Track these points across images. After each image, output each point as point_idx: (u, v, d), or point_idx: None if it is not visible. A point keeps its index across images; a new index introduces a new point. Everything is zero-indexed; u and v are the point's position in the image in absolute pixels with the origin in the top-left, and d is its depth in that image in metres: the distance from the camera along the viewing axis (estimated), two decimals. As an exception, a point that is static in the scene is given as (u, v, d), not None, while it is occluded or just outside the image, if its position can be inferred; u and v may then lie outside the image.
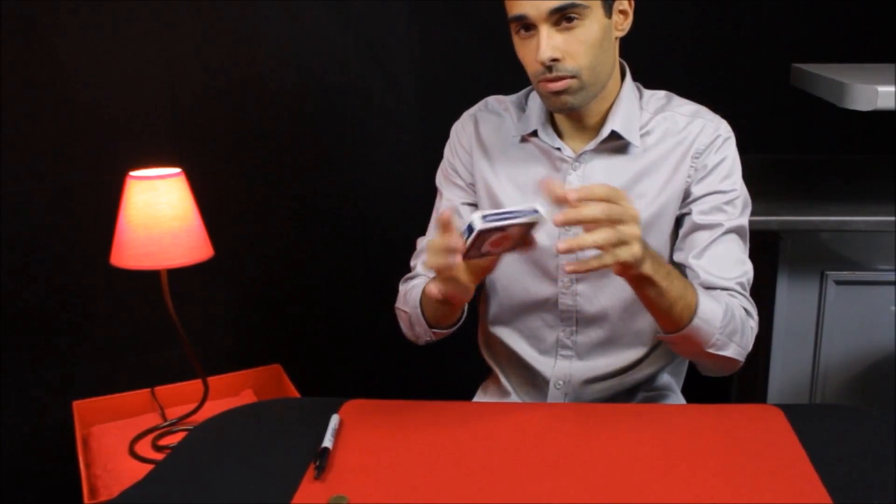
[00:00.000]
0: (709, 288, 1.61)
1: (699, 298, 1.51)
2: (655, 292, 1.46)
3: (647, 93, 1.72)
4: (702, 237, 1.64)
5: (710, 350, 1.56)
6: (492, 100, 1.81)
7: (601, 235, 1.32)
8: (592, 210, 1.31)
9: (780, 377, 2.46)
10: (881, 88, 2.14)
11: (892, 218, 2.24)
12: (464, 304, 1.63)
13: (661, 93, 1.72)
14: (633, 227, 1.33)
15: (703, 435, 1.42)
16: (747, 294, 1.64)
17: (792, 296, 2.39)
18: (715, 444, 1.39)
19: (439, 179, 1.84)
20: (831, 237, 2.36)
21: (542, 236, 1.69)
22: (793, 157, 2.90)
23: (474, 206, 1.79)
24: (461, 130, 1.80)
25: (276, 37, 2.59)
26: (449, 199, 1.80)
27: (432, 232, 1.82)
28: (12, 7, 2.25)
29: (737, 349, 1.58)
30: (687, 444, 1.39)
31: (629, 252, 1.33)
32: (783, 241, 2.35)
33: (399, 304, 1.77)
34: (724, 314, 1.54)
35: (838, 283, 2.37)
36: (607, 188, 1.33)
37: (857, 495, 1.24)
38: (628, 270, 1.39)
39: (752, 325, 1.62)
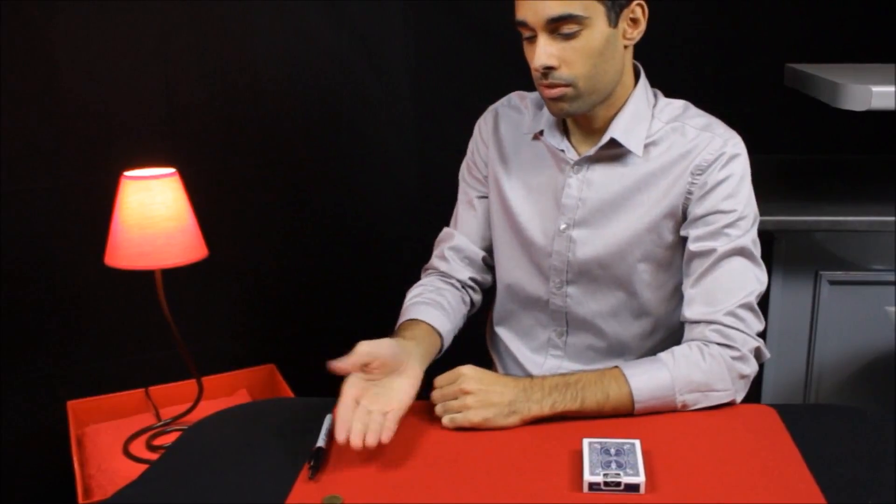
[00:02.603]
0: (695, 323, 1.57)
1: (632, 388, 1.48)
2: (568, 395, 1.50)
3: (664, 101, 1.67)
4: (696, 266, 1.59)
5: (683, 410, 1.52)
6: (515, 95, 1.80)
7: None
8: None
9: (774, 377, 2.46)
10: (875, 88, 2.14)
11: (887, 218, 2.24)
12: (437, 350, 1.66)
13: (679, 102, 1.68)
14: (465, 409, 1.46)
15: (697, 435, 1.42)
16: (739, 321, 1.55)
17: (786, 296, 2.39)
18: (709, 444, 1.40)
19: (462, 172, 1.85)
20: (825, 237, 2.36)
21: (537, 234, 1.70)
22: (787, 157, 2.90)
23: (483, 198, 1.80)
24: (483, 124, 1.81)
25: (271, 37, 2.59)
26: (465, 192, 1.83)
27: (455, 222, 1.85)
28: (8, 8, 2.25)
29: (718, 396, 1.53)
30: (680, 445, 1.39)
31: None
32: (777, 242, 2.35)
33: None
34: (677, 376, 1.49)
35: (832, 283, 2.38)
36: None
37: (851, 495, 1.25)
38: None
39: (733, 355, 1.53)
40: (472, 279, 1.82)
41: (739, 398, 1.55)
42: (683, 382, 1.49)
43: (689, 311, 1.59)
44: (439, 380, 1.49)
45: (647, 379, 1.49)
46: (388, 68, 2.78)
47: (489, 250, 1.83)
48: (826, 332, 2.41)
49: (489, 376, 1.48)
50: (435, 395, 1.49)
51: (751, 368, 1.55)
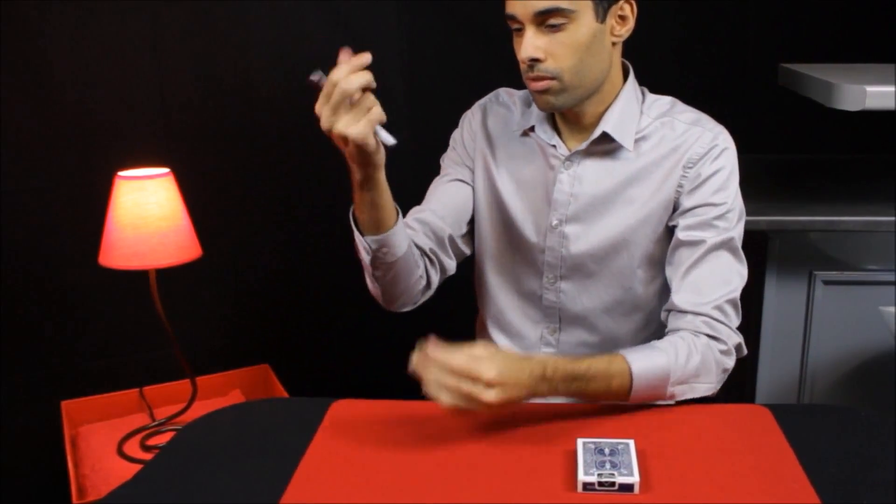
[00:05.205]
0: (682, 312, 1.58)
1: (633, 383, 1.47)
2: (574, 386, 1.45)
3: (651, 97, 1.70)
4: (684, 255, 1.61)
5: (669, 401, 1.54)
6: (503, 91, 1.82)
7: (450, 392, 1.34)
8: (446, 382, 1.34)
9: (768, 377, 2.46)
10: (869, 88, 2.14)
11: (881, 218, 2.25)
12: (384, 189, 1.52)
13: (667, 98, 1.71)
14: (481, 398, 1.34)
15: (692, 435, 1.42)
16: (725, 316, 1.58)
17: (780, 296, 2.39)
18: (703, 444, 1.40)
19: (443, 158, 1.85)
20: (820, 237, 2.36)
21: (529, 230, 1.70)
22: (781, 157, 2.91)
23: (463, 182, 1.79)
24: (471, 118, 1.82)
25: (265, 37, 2.59)
26: (444, 173, 1.82)
27: (426, 200, 1.80)
28: (2, 8, 2.24)
29: (702, 388, 1.55)
30: (675, 444, 1.39)
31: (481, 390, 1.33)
32: (772, 242, 2.35)
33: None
34: (674, 366, 1.50)
35: (827, 283, 2.38)
36: (464, 365, 1.34)
37: (845, 495, 1.25)
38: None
39: (721, 349, 1.56)
40: (433, 251, 1.72)
41: (717, 390, 1.59)
42: (679, 374, 1.50)
43: (677, 299, 1.60)
44: (447, 364, 1.34)
45: (649, 371, 1.49)
46: (381, 69, 2.75)
47: (456, 233, 1.77)
48: (820, 332, 2.42)
49: (507, 364, 1.36)
50: (449, 382, 1.33)
51: (732, 363, 1.59)
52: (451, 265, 1.78)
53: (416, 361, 1.36)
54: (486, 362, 1.34)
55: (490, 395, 1.33)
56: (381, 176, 1.48)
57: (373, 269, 1.62)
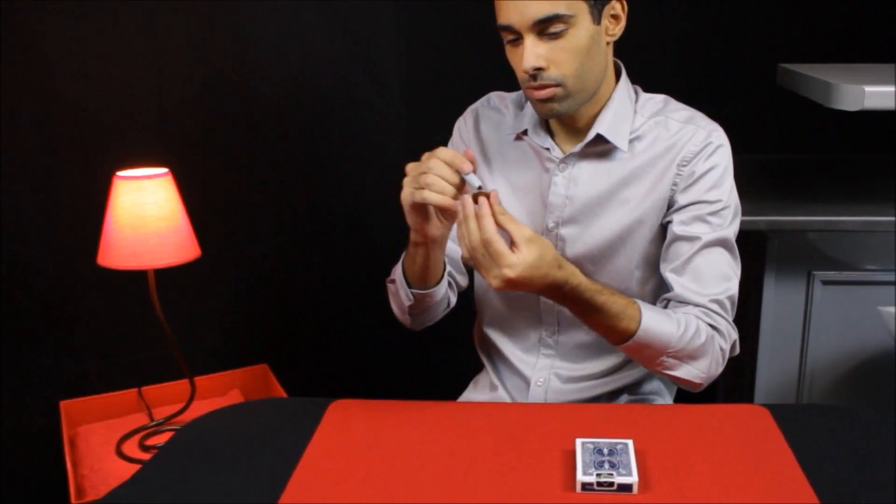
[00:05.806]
0: (681, 303, 1.59)
1: (640, 327, 1.51)
2: (581, 310, 1.52)
3: (644, 96, 1.69)
4: (681, 249, 1.61)
5: (658, 369, 1.56)
6: (494, 96, 1.81)
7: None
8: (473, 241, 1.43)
9: (766, 377, 2.46)
10: (868, 88, 2.14)
11: (880, 218, 2.25)
12: (438, 256, 1.63)
13: (660, 97, 1.70)
14: (488, 278, 1.44)
15: (690, 435, 1.43)
16: (725, 312, 1.60)
17: (779, 296, 2.39)
18: (701, 444, 1.40)
19: None
20: (818, 237, 2.36)
21: None
22: (780, 157, 2.91)
23: None
24: (462, 125, 1.82)
25: (264, 37, 2.59)
26: None
27: None
28: (2, 9, 2.24)
29: (693, 372, 1.56)
30: (673, 445, 1.39)
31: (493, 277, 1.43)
32: (770, 241, 2.35)
33: (390, 277, 1.76)
34: (677, 340, 1.53)
35: (825, 283, 2.38)
36: (498, 247, 1.41)
37: (843, 495, 1.25)
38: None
39: (723, 345, 1.58)
40: (451, 274, 1.78)
41: (699, 387, 1.60)
42: (676, 349, 1.53)
43: (678, 288, 1.60)
44: (487, 232, 1.41)
45: (654, 334, 1.52)
46: (380, 70, 2.78)
47: None
48: (819, 332, 2.41)
49: (532, 270, 1.42)
50: (476, 244, 1.42)
51: (724, 363, 1.61)
52: (464, 281, 1.84)
53: (468, 203, 1.43)
54: (515, 258, 1.41)
55: (496, 283, 1.42)
56: (435, 249, 1.59)
57: (409, 309, 1.70)
